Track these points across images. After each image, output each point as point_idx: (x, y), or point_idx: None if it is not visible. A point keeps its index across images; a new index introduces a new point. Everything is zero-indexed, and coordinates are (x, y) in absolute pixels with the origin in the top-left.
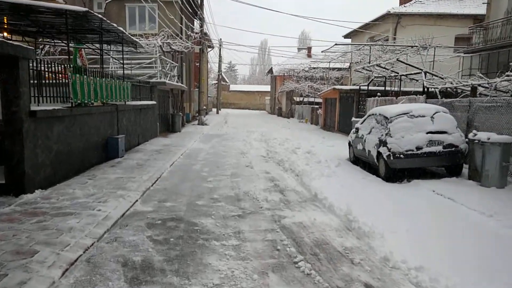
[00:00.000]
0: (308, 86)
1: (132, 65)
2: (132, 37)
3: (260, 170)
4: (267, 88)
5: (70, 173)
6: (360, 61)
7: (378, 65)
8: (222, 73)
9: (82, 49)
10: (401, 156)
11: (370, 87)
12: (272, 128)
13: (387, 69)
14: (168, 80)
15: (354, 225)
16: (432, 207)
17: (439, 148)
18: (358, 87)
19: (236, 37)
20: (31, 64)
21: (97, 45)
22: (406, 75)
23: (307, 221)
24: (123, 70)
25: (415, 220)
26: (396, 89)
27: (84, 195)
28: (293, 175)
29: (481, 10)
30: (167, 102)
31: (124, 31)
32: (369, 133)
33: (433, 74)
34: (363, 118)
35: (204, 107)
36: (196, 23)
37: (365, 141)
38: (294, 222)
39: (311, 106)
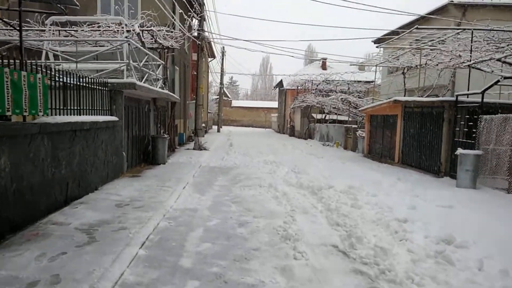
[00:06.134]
0: (341, 99)
1: (85, 55)
2: None
3: None
4: (273, 104)
5: None
6: (426, 64)
7: None
8: (224, 88)
9: None
10: None
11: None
12: (297, 156)
13: None
14: (143, 83)
15: None
16: None
17: None
18: (454, 97)
19: (239, 51)
20: None
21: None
22: None
23: None
24: (21, 51)
25: None
26: None
27: None
28: None
29: None
30: (146, 118)
31: None
32: None
33: None
34: None
35: (203, 125)
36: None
37: None
38: None
39: (344, 125)
